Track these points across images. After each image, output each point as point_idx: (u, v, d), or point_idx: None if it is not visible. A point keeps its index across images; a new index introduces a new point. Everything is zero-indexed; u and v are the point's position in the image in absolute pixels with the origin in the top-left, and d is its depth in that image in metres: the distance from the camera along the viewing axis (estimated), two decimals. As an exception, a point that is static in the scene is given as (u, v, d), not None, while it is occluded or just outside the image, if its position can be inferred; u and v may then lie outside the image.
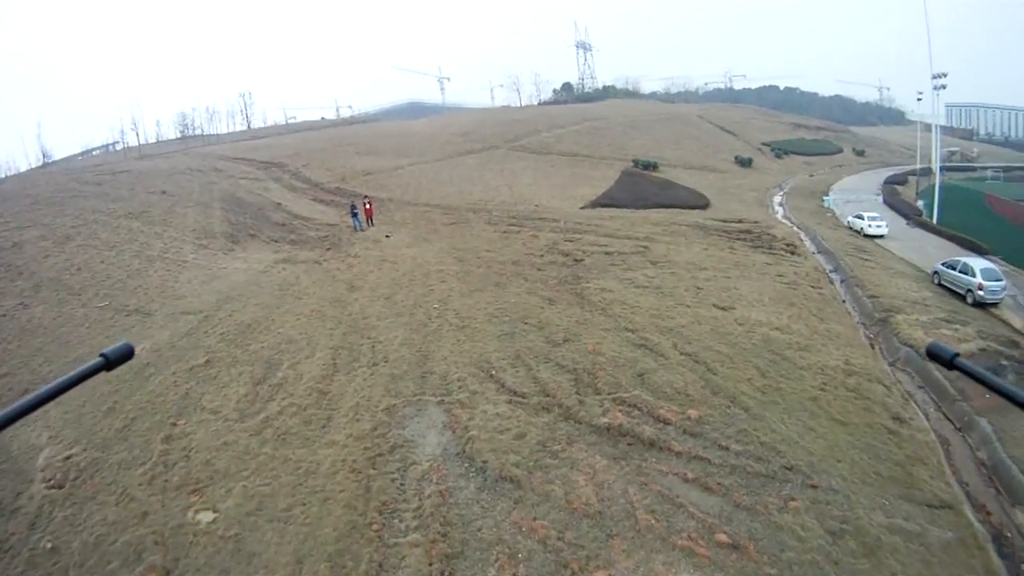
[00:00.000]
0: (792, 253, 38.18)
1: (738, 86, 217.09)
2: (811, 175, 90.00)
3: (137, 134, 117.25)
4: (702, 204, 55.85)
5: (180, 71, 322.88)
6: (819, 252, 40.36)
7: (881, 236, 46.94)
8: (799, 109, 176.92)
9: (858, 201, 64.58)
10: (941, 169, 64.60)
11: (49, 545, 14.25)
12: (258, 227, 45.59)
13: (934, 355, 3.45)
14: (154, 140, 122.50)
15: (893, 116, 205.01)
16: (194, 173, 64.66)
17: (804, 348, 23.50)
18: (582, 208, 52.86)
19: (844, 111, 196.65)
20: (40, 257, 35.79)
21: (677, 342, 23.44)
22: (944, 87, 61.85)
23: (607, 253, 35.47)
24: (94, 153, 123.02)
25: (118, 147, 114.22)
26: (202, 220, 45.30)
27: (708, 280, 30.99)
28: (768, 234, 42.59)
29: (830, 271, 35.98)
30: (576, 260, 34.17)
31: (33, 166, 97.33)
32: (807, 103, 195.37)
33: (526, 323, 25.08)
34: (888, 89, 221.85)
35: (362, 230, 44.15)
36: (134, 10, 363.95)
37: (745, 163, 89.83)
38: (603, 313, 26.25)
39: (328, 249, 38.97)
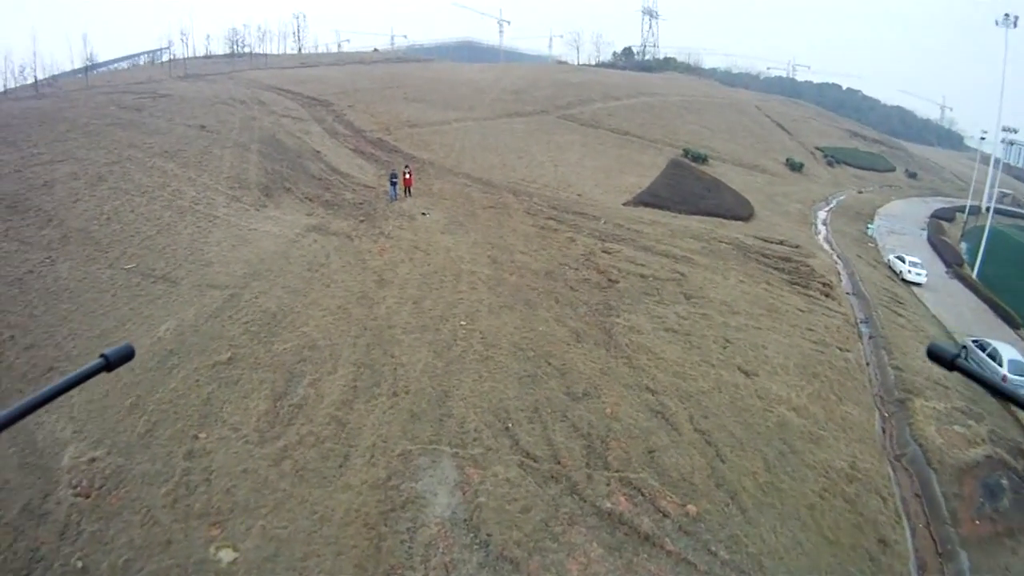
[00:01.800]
0: (827, 295, 36.97)
1: (800, 77, 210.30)
2: (860, 191, 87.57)
3: (185, 45, 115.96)
4: (746, 215, 54.11)
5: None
6: (854, 294, 39.30)
7: (919, 284, 45.78)
8: (858, 114, 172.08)
9: (902, 233, 63.66)
10: (991, 212, 62.65)
11: (80, 564, 14.35)
12: (294, 179, 44.76)
13: (935, 356, 3.54)
14: (203, 54, 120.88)
15: (952, 140, 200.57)
16: (237, 105, 63.69)
17: (816, 440, 22.70)
18: (625, 204, 51.39)
19: (903, 124, 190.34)
20: (70, 201, 35.16)
21: (694, 414, 22.71)
22: (1012, 143, 59.98)
23: (642, 276, 34.22)
24: (140, 61, 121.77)
25: (164, 57, 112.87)
26: (238, 165, 44.48)
27: (739, 330, 29.83)
28: (807, 265, 41.24)
29: (861, 321, 34.99)
30: (610, 281, 33.03)
31: (77, 67, 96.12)
32: (867, 109, 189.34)
33: (549, 363, 24.26)
34: (951, 110, 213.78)
35: (398, 200, 43.07)
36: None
37: (796, 167, 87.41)
38: (628, 363, 25.32)
39: (362, 221, 38.08)
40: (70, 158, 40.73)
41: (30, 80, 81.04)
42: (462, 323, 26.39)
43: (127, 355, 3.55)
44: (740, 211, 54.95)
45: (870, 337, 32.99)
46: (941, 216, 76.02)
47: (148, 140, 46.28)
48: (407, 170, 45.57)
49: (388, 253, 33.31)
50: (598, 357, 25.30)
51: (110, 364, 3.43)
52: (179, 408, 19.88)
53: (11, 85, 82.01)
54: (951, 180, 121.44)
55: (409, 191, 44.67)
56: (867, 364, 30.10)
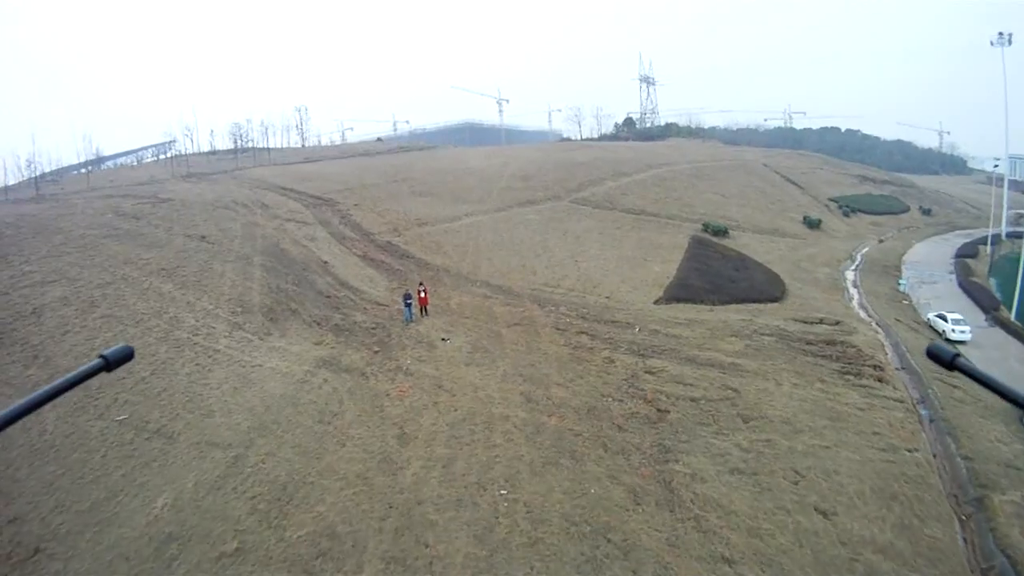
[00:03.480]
0: (880, 380, 33.72)
1: (798, 125, 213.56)
2: (880, 240, 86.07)
3: (190, 140, 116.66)
4: (779, 294, 51.50)
5: (238, 81, 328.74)
6: (903, 368, 36.52)
7: (964, 342, 43.08)
8: (861, 154, 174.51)
9: (932, 282, 61.75)
10: (1011, 237, 61.38)
11: None
12: (300, 298, 41.77)
13: (935, 356, 3.44)
14: (207, 149, 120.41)
15: (955, 165, 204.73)
16: (239, 209, 61.29)
17: (909, 591, 19.27)
18: (656, 302, 47.93)
19: (905, 157, 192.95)
20: (59, 333, 32.64)
21: (778, 585, 19.02)
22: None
23: (693, 400, 30.53)
24: (146, 156, 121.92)
25: (170, 152, 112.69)
26: (240, 284, 41.60)
27: (806, 455, 26.28)
28: (852, 346, 37.96)
29: (918, 402, 32.11)
30: (660, 412, 29.29)
31: (83, 159, 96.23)
32: (869, 147, 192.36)
33: (609, 539, 20.45)
34: (949, 134, 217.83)
35: (415, 321, 39.88)
36: (196, 20, 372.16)
37: (814, 224, 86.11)
38: (696, 526, 21.56)
39: (376, 352, 34.74)
40: (62, 278, 38.48)
41: (36, 173, 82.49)
42: (502, 491, 22.63)
43: (126, 356, 3.55)
44: (773, 291, 52.54)
45: (931, 421, 30.38)
46: (965, 254, 74.63)
47: (145, 255, 43.72)
48: (421, 288, 42.46)
49: (408, 396, 29.78)
50: (663, 523, 21.53)
51: (109, 365, 3.45)
52: (184, 627, 16.81)
53: (14, 181, 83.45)
54: (964, 210, 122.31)
55: (425, 310, 41.49)
56: (934, 456, 27.29)
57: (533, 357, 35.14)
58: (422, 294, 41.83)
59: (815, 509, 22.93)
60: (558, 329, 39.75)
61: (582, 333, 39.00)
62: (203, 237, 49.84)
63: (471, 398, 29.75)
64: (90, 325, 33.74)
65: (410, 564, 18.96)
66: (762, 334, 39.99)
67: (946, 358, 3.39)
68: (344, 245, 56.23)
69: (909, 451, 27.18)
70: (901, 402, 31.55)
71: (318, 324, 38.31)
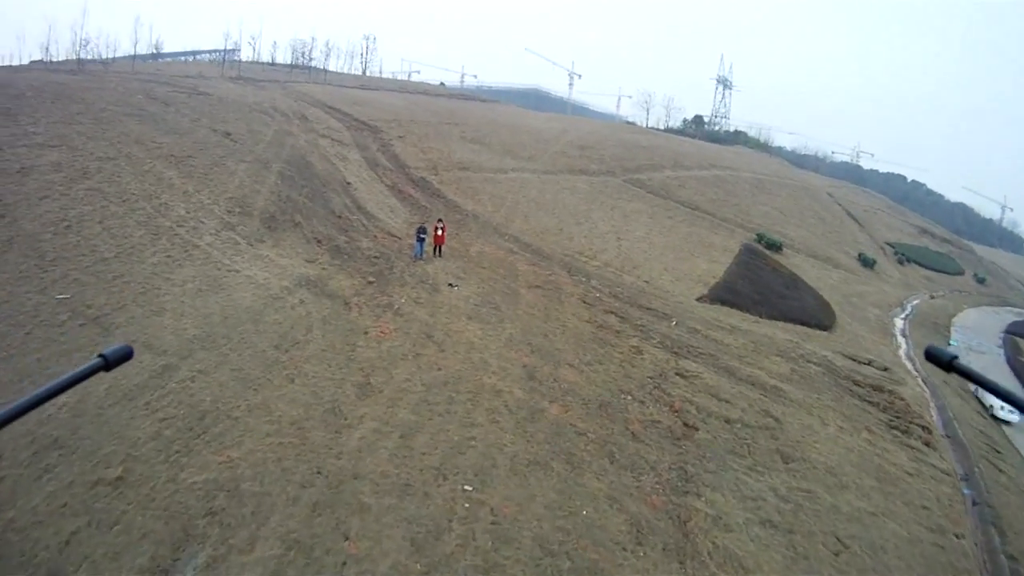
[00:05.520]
0: (927, 444, 29.71)
1: (865, 164, 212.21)
2: (932, 296, 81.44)
3: (253, 50, 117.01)
4: (828, 324, 47.46)
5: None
6: (948, 436, 33.06)
7: (1011, 423, 39.94)
8: (922, 208, 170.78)
9: (980, 351, 58.75)
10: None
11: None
12: (309, 213, 37.52)
13: (933, 357, 3.30)
14: (267, 60, 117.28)
15: (1013, 242, 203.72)
16: (276, 115, 57.50)
17: None
18: (699, 299, 42.92)
19: (966, 222, 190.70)
20: (37, 197, 29.25)
21: None
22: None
23: (728, 421, 25.33)
24: (206, 58, 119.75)
25: (235, 57, 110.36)
26: (248, 185, 37.61)
27: (851, 520, 21.26)
28: (901, 399, 33.93)
29: (962, 478, 28.17)
30: (687, 427, 23.98)
31: (140, 52, 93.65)
32: (931, 203, 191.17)
33: (593, 589, 15.11)
34: (1012, 210, 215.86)
35: (424, 260, 35.22)
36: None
37: (868, 263, 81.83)
38: (713, 592, 16.19)
39: (370, 282, 30.07)
40: (64, 145, 35.35)
41: (88, 55, 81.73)
42: (466, 487, 17.41)
43: (126, 355, 3.35)
44: (823, 318, 48.64)
45: (974, 504, 26.44)
46: (1016, 332, 70.37)
47: (160, 139, 40.17)
48: (440, 225, 37.31)
49: (389, 339, 24.86)
50: (668, 578, 16.39)
51: (108, 364, 3.25)
52: (27, 546, 13.45)
53: (65, 57, 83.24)
54: (1017, 288, 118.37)
55: (439, 250, 36.54)
56: (976, 545, 23.11)
57: (549, 326, 30.10)
58: (439, 232, 36.84)
59: (859, 590, 18.07)
60: (585, 302, 34.64)
61: (611, 313, 33.93)
62: (228, 134, 46.01)
63: (462, 359, 24.65)
64: (72, 194, 30.39)
65: (317, 557, 14.10)
66: (809, 361, 35.37)
67: (945, 359, 3.16)
68: (375, 171, 51.78)
69: (957, 536, 22.98)
70: (948, 475, 27.36)
71: (318, 242, 33.90)
